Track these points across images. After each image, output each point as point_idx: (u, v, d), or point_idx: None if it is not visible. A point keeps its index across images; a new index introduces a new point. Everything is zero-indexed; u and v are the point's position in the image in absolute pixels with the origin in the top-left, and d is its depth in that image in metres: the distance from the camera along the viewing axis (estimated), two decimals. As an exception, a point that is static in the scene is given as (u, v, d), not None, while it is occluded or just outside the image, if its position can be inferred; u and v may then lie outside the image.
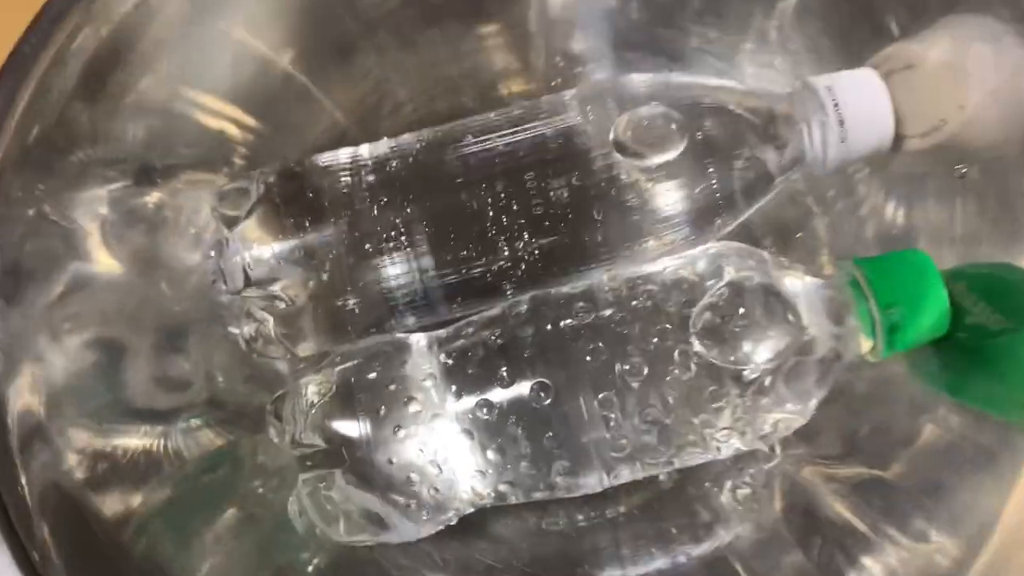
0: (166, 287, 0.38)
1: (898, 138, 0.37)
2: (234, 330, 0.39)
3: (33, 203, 0.33)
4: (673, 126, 0.34)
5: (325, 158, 0.36)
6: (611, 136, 0.34)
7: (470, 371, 0.32)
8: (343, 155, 0.36)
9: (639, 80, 0.36)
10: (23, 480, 0.29)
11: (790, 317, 0.31)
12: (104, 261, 0.37)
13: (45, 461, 0.31)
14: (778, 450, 0.36)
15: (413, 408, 0.32)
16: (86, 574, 0.29)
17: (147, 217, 0.38)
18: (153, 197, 0.39)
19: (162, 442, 0.35)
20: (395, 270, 0.35)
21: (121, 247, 0.37)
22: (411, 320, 0.36)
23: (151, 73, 0.36)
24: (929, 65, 0.38)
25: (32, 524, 0.29)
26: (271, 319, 0.35)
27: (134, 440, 0.35)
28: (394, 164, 0.36)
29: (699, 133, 0.34)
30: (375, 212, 0.35)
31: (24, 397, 0.32)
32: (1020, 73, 0.36)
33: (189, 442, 0.36)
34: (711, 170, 0.35)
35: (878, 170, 0.39)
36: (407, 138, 0.36)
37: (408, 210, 0.35)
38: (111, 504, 0.32)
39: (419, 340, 0.34)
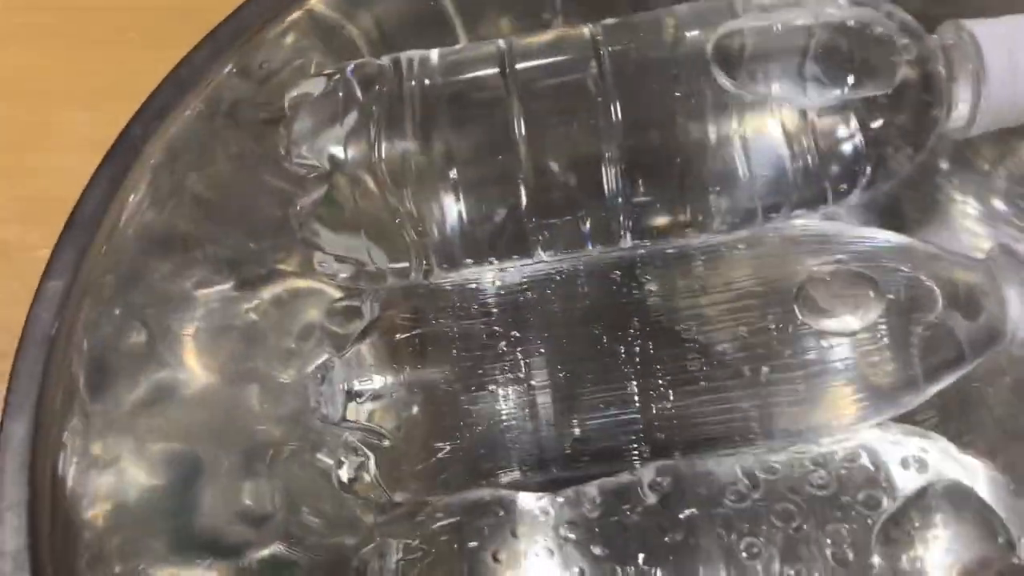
0: (256, 403, 0.35)
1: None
2: (324, 458, 0.35)
3: (125, 303, 0.30)
4: (869, 291, 0.29)
5: (449, 281, 0.32)
6: (793, 291, 0.30)
7: (597, 552, 0.27)
8: (469, 279, 0.32)
9: (813, 227, 0.31)
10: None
11: (997, 533, 0.26)
12: (195, 369, 0.34)
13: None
14: None
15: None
16: None
17: (243, 326, 0.34)
18: (252, 304, 0.36)
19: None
20: (511, 418, 0.31)
21: (213, 356, 0.34)
22: (519, 475, 0.32)
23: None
24: None
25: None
26: (372, 457, 0.31)
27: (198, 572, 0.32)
28: (525, 297, 0.32)
29: (891, 301, 0.29)
30: (497, 350, 0.31)
31: (96, 506, 0.29)
32: None
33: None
34: (895, 341, 0.30)
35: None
36: (541, 267, 0.32)
37: (535, 351, 0.31)
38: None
39: (530, 502, 0.30)
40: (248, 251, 0.34)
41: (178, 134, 0.30)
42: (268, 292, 0.36)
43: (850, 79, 0.28)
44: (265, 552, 0.33)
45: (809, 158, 0.29)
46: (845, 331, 0.28)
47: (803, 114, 0.28)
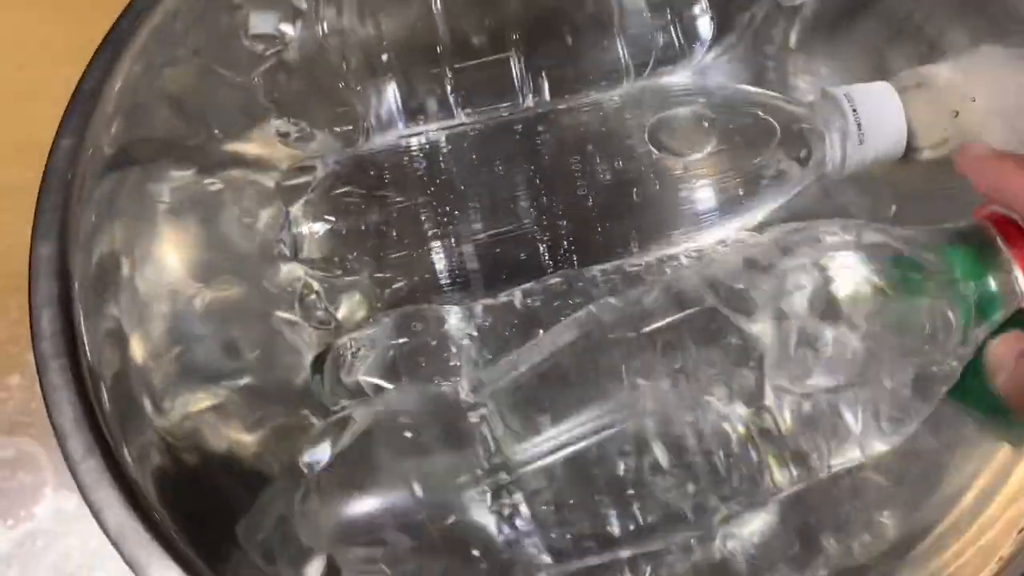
0: (225, 267, 0.41)
1: (911, 149, 0.40)
2: (282, 314, 0.41)
3: (111, 190, 0.37)
4: (705, 125, 0.37)
5: (383, 143, 0.40)
6: (646, 133, 0.38)
7: (506, 332, 0.35)
8: (399, 141, 0.40)
9: (674, 82, 0.39)
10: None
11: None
12: (172, 241, 0.40)
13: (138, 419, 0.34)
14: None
15: (452, 363, 0.35)
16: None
17: (207, 200, 0.41)
18: (216, 183, 0.42)
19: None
20: (439, 249, 0.38)
21: (186, 228, 0.40)
22: (450, 297, 0.39)
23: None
24: (938, 82, 0.41)
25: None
26: (322, 288, 0.38)
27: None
28: (444, 151, 0.39)
29: (729, 133, 0.38)
30: (425, 194, 0.38)
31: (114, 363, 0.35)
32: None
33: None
34: (738, 167, 0.38)
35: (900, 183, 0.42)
36: (458, 127, 0.40)
37: (454, 194, 0.38)
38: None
39: (455, 309, 0.37)
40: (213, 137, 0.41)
41: (149, 40, 0.37)
42: (228, 174, 0.42)
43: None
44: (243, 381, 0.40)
45: (665, 18, 0.37)
46: (684, 154, 0.37)
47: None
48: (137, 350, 0.35)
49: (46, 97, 0.38)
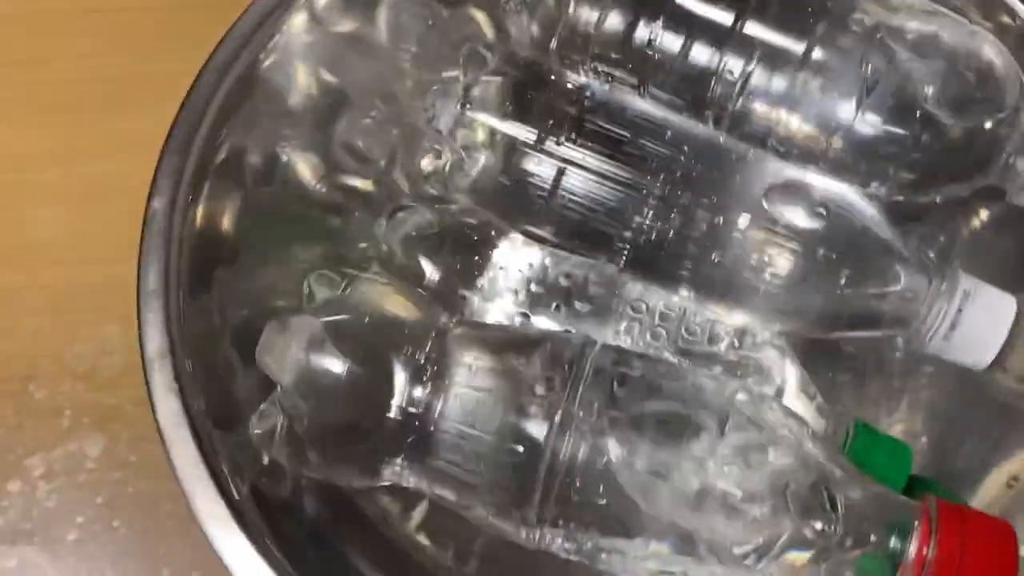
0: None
1: (998, 366, 0.39)
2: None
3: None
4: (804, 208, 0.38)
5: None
6: (762, 199, 0.39)
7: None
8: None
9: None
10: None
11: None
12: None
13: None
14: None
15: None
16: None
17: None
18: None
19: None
20: (546, 171, 0.40)
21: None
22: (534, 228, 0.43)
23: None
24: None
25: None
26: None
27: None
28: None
29: (838, 226, 0.39)
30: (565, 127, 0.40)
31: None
32: None
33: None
34: (829, 270, 0.38)
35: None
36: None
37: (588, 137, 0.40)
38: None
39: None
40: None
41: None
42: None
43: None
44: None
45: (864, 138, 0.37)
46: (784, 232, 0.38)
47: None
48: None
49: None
